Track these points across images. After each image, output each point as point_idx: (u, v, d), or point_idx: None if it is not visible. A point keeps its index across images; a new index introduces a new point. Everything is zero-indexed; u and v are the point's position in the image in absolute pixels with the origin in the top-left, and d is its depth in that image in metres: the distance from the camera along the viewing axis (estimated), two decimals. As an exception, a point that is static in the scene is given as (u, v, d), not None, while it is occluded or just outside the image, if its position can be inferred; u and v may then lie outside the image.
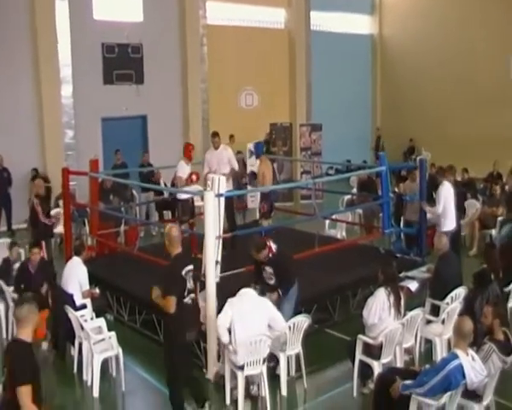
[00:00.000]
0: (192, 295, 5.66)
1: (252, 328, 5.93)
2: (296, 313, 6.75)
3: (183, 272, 5.50)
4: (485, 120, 18.82)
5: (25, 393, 4.14)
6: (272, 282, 6.83)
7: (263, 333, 5.97)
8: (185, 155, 9.67)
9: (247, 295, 6.18)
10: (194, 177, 9.52)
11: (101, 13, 15.72)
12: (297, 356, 6.58)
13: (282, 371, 6.36)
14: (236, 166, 9.97)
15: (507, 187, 12.72)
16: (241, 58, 18.33)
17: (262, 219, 9.48)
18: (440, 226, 8.95)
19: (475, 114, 19.25)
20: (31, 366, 4.27)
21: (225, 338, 5.97)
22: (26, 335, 4.33)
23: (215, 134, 9.80)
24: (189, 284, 5.59)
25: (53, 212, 11.24)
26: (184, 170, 9.55)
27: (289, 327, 6.32)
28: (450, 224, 8.96)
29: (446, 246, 7.51)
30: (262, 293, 6.55)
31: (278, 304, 6.58)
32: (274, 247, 6.83)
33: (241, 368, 5.97)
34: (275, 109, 18.80)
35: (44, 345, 7.29)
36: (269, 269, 6.82)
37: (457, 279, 7.30)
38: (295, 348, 6.48)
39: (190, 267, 5.61)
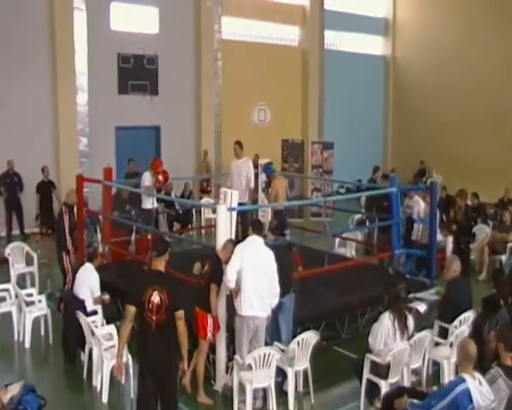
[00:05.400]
0: None
1: (259, 275, 6.22)
2: (295, 325, 6.87)
3: None
4: (498, 145, 18.84)
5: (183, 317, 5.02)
6: None
7: (270, 281, 6.24)
8: (152, 169, 10.20)
9: (256, 242, 6.39)
10: (160, 177, 9.97)
11: (117, 24, 15.98)
12: (305, 372, 6.61)
13: (290, 386, 6.38)
14: (252, 184, 10.09)
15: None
16: (254, 74, 18.49)
17: (269, 233, 9.57)
18: None
19: (487, 137, 19.27)
20: None
21: (232, 281, 6.15)
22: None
23: (236, 142, 10.00)
24: None
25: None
26: (150, 180, 10.14)
27: (298, 343, 6.36)
28: None
29: (457, 270, 7.52)
30: None
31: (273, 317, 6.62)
32: None
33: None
34: (287, 126, 18.95)
35: None
36: None
37: (467, 303, 7.31)
38: (303, 363, 6.51)
39: None
